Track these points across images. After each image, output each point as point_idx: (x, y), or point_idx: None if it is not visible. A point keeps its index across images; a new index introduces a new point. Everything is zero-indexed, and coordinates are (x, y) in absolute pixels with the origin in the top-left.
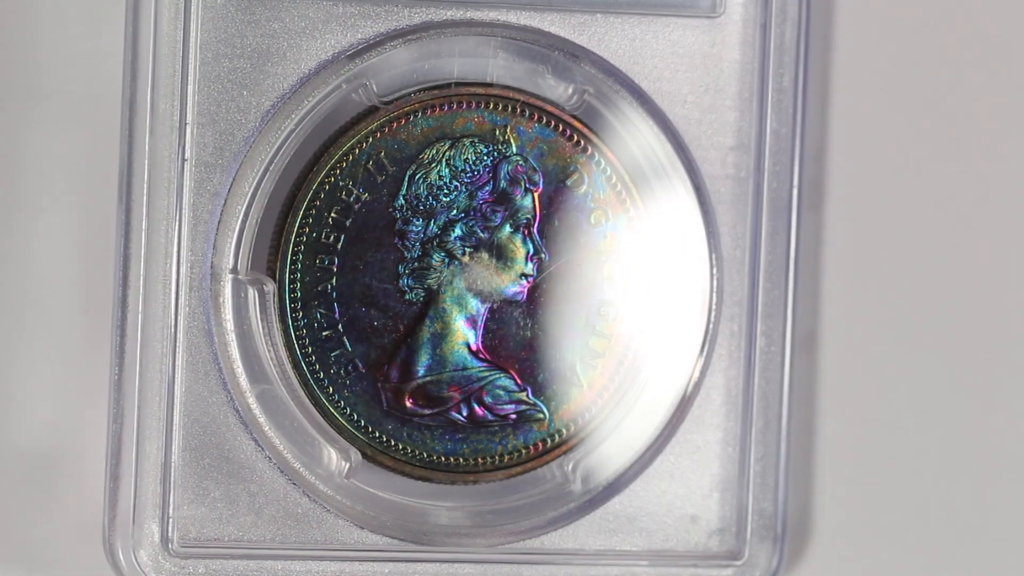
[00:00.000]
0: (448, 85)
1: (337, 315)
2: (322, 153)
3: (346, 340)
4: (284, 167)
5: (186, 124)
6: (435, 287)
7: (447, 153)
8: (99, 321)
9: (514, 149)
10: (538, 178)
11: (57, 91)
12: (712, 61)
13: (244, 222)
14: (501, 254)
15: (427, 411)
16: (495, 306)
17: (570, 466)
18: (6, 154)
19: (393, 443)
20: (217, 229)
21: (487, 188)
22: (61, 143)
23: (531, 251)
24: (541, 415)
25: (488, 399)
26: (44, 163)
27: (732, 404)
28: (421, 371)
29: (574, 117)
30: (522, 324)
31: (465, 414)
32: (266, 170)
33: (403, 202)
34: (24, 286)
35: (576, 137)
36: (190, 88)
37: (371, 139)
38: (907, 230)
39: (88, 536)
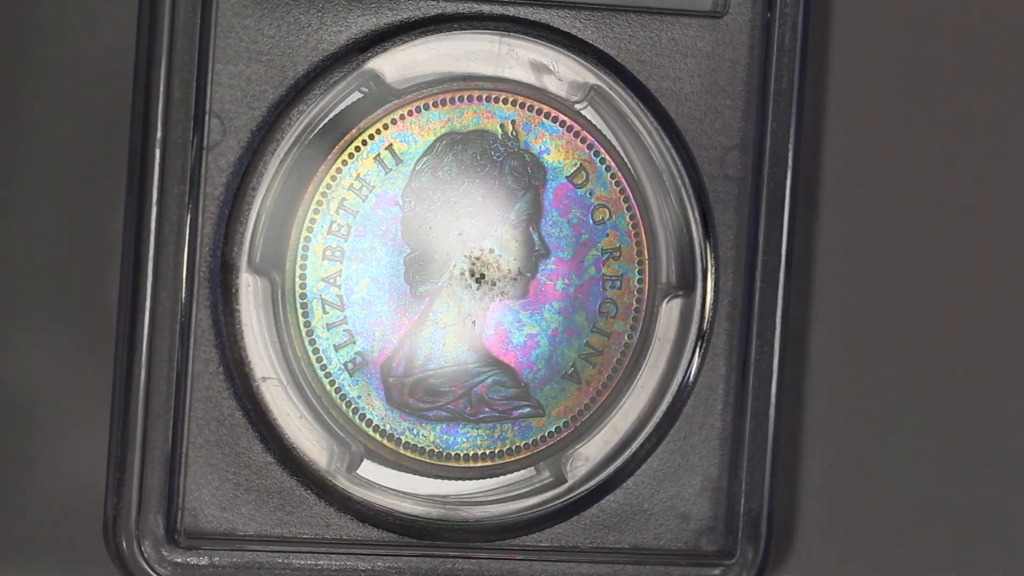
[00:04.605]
0: (457, 79)
1: (343, 308)
2: (332, 145)
3: (351, 333)
4: (295, 158)
5: (204, 113)
6: (439, 281)
7: (455, 147)
8: (101, 314)
9: (520, 145)
10: (543, 174)
11: (60, 83)
12: (715, 61)
13: (254, 213)
14: (505, 250)
15: (428, 405)
16: (498, 302)
17: (566, 463)
18: (7, 145)
19: (395, 437)
20: (228, 220)
21: (493, 183)
22: (63, 134)
23: (534, 247)
24: (540, 411)
25: (488, 394)
26: (45, 154)
27: (726, 404)
28: (424, 365)
29: (579, 114)
30: (523, 320)
31: (465, 409)
32: (277, 161)
33: (411, 195)
34: (24, 279)
35: (581, 134)
36: (208, 77)
37: (381, 131)
38: (899, 233)
39: (90, 528)
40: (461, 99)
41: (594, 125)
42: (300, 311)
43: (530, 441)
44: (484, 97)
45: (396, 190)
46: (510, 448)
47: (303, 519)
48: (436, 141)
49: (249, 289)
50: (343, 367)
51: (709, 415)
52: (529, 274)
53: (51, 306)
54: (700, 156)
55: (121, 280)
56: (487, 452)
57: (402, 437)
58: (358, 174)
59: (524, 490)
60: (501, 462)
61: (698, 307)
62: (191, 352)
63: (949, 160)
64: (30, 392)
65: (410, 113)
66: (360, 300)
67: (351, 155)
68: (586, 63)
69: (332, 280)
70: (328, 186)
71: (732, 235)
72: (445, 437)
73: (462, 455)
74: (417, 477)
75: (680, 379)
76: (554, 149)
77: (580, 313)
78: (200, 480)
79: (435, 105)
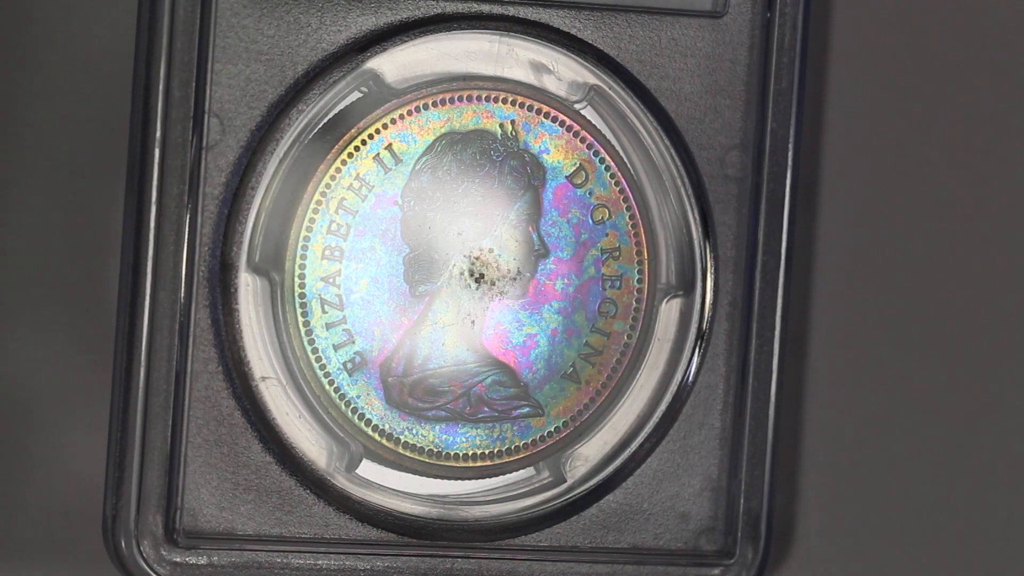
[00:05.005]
0: (457, 79)
1: (342, 307)
2: (332, 144)
3: (351, 333)
4: (294, 158)
5: (203, 113)
6: (439, 281)
7: (454, 147)
8: (100, 314)
9: (520, 144)
10: (542, 174)
11: (59, 83)
12: (715, 61)
13: (253, 213)
14: (504, 250)
15: (428, 405)
16: (497, 302)
17: (566, 463)
18: (7, 145)
19: (394, 436)
20: (227, 219)
21: (492, 183)
22: (63, 134)
23: (534, 247)
24: (539, 411)
25: (488, 394)
26: (45, 154)
27: (725, 404)
28: (423, 365)
29: (578, 114)
30: (523, 320)
31: (465, 408)
32: (276, 161)
33: (410, 195)
34: (24, 278)
35: (580, 134)
36: (208, 76)
37: (380, 131)
38: (899, 233)
39: (89, 528)
40: (460, 99)
41: (594, 125)
42: (299, 311)
43: (529, 441)
44: (483, 97)
45: (395, 190)
46: (509, 448)
47: (302, 519)
48: (436, 141)
49: (248, 289)
50: (342, 367)
51: (708, 415)
52: (528, 274)
53: (51, 306)
54: (700, 156)
55: (120, 280)
56: (486, 452)
57: (401, 437)
58: (357, 174)
59: (523, 490)
60: (500, 462)
61: (698, 307)
62: (190, 352)
63: (949, 160)
64: (30, 392)
65: (409, 113)
66: (359, 300)
67: (350, 155)
68: (586, 63)
69: (331, 280)
70: (327, 186)
71: (732, 235)
72: (444, 437)
73: (461, 455)
74: (416, 477)
75: (679, 379)
76: (553, 149)
77: (579, 313)
78: (199, 480)
79: (434, 105)
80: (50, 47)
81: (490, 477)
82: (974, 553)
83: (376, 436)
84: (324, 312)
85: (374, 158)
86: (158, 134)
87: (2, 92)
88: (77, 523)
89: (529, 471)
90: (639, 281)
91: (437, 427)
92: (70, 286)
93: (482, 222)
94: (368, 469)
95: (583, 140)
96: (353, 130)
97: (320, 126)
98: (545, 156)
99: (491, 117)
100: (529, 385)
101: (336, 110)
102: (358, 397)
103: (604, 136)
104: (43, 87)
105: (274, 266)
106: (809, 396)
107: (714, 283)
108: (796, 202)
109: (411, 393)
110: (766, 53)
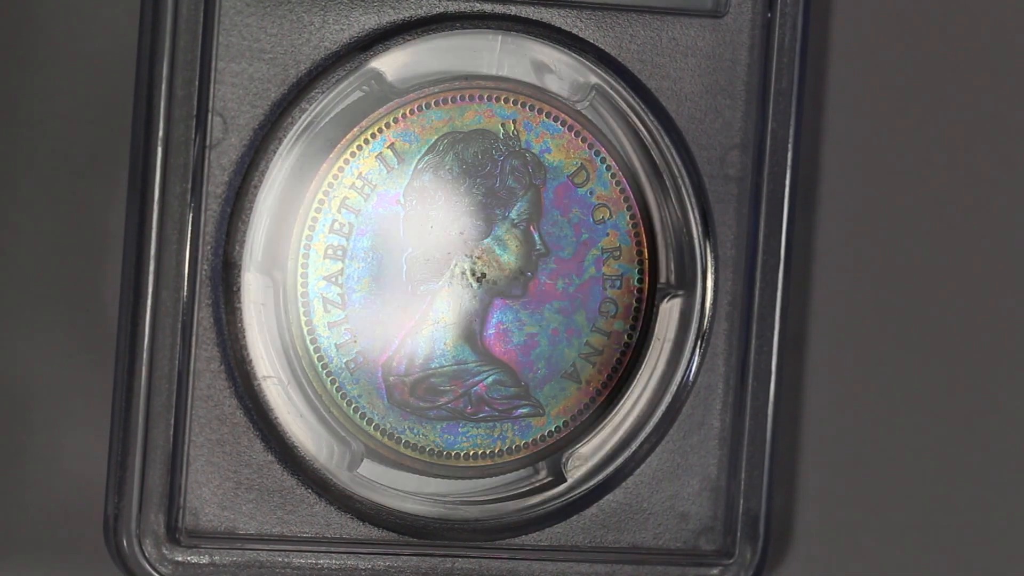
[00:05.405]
0: (459, 78)
1: (344, 307)
2: (334, 143)
3: (353, 332)
4: (297, 157)
5: (206, 111)
6: (440, 281)
7: (456, 146)
8: (101, 313)
9: (521, 144)
10: (543, 173)
11: (62, 82)
12: (715, 61)
13: (256, 212)
14: (505, 249)
15: (429, 404)
16: (498, 301)
17: (566, 462)
18: (8, 145)
19: (395, 436)
20: (229, 218)
21: (494, 182)
22: (65, 133)
23: (535, 246)
24: (539, 411)
25: (488, 393)
26: (47, 152)
27: (724, 404)
28: (424, 364)
29: (580, 113)
30: (524, 319)
31: (466, 408)
32: (279, 160)
33: (412, 194)
34: (24, 277)
35: (582, 133)
36: (211, 75)
37: (382, 130)
38: (898, 233)
39: (91, 527)
40: (462, 98)
41: (595, 125)
42: (301, 310)
43: (530, 440)
44: (485, 96)
45: (398, 189)
46: (510, 447)
47: (303, 518)
48: (438, 140)
49: (251, 288)
50: (344, 366)
51: (708, 415)
52: (529, 273)
53: (51, 306)
54: (700, 156)
55: (123, 279)
56: (487, 451)
57: (402, 436)
58: (360, 173)
59: (523, 489)
60: (501, 461)
61: (697, 307)
62: (192, 351)
63: (948, 160)
64: (31, 391)
65: (412, 112)
66: (361, 299)
67: (353, 154)
68: (587, 62)
69: (333, 279)
70: (330, 185)
71: (732, 235)
72: (445, 436)
73: (462, 454)
74: (417, 476)
75: (679, 379)
76: (555, 148)
77: (580, 313)
78: (201, 479)
79: (436, 104)
80: (51, 47)
81: (490, 476)
82: (973, 553)
83: (377, 435)
84: (326, 311)
85: (376, 157)
86: (161, 133)
87: (2, 92)
88: (78, 522)
89: (529, 471)
90: (639, 281)
91: (438, 426)
92: (70, 286)
93: (484, 221)
94: (369, 468)
95: (584, 140)
96: (355, 129)
97: (323, 125)
98: (546, 155)
99: (493, 116)
100: (529, 385)
101: (339, 109)
102: (360, 396)
103: (605, 136)
104: (43, 87)
105: (276, 265)
106: (808, 396)
107: (714, 283)
108: (796, 202)
109: (412, 392)
110: (766, 53)
